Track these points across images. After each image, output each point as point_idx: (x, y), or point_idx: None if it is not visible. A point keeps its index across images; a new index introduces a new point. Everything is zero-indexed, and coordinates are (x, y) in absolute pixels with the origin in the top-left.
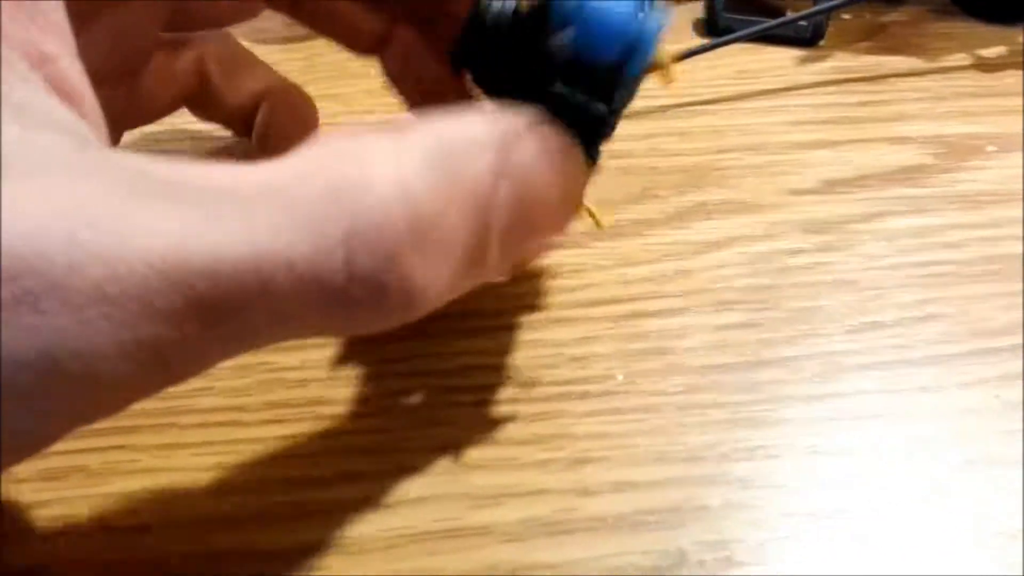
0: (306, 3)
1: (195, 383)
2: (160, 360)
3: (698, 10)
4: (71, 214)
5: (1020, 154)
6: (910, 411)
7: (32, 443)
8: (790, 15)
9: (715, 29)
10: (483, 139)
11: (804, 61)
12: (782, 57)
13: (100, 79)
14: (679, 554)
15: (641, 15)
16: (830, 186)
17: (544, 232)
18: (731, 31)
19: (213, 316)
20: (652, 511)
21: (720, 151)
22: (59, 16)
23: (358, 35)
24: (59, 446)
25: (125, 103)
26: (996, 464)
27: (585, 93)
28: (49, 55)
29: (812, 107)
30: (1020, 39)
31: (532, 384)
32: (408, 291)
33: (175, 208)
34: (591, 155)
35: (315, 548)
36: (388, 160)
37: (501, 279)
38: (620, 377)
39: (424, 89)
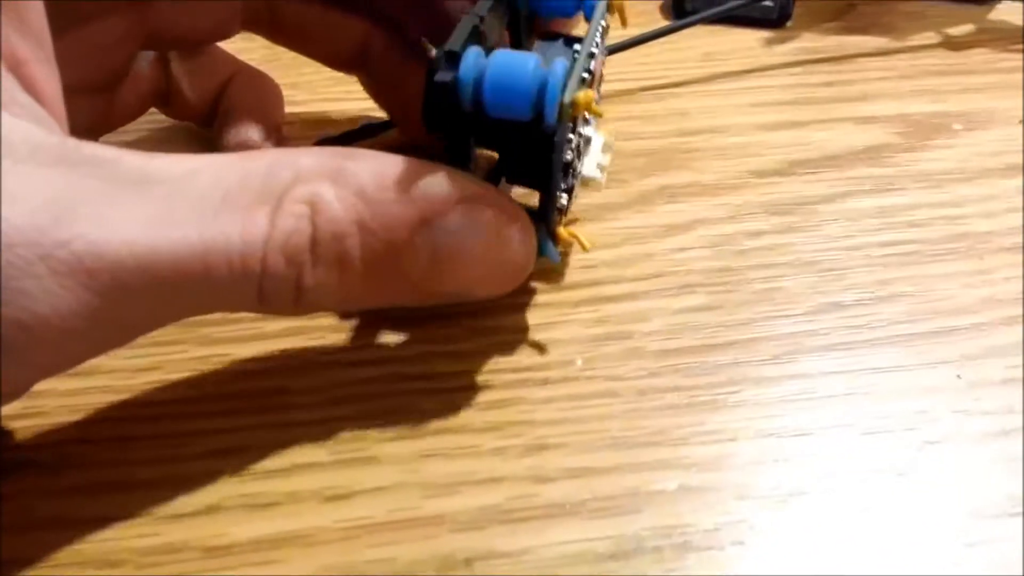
0: (283, 24)
1: (151, 375)
2: (119, 325)
3: None
4: (58, 198)
5: (986, 132)
6: (870, 392)
7: (12, 391)
8: None
9: (682, 12)
10: (416, 194)
11: (771, 42)
12: (749, 39)
13: (77, 89)
14: (635, 539)
15: (542, 70)
16: (794, 167)
17: (478, 288)
18: (698, 13)
19: (167, 293)
20: (609, 497)
21: (685, 134)
22: (39, 19)
23: (336, 52)
24: (11, 441)
25: (101, 112)
26: (956, 444)
27: (529, 152)
28: (22, 58)
29: (778, 88)
30: (988, 17)
31: (491, 371)
32: (301, 293)
33: (141, 198)
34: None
35: (270, 540)
36: (318, 181)
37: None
38: (579, 362)
39: (404, 101)
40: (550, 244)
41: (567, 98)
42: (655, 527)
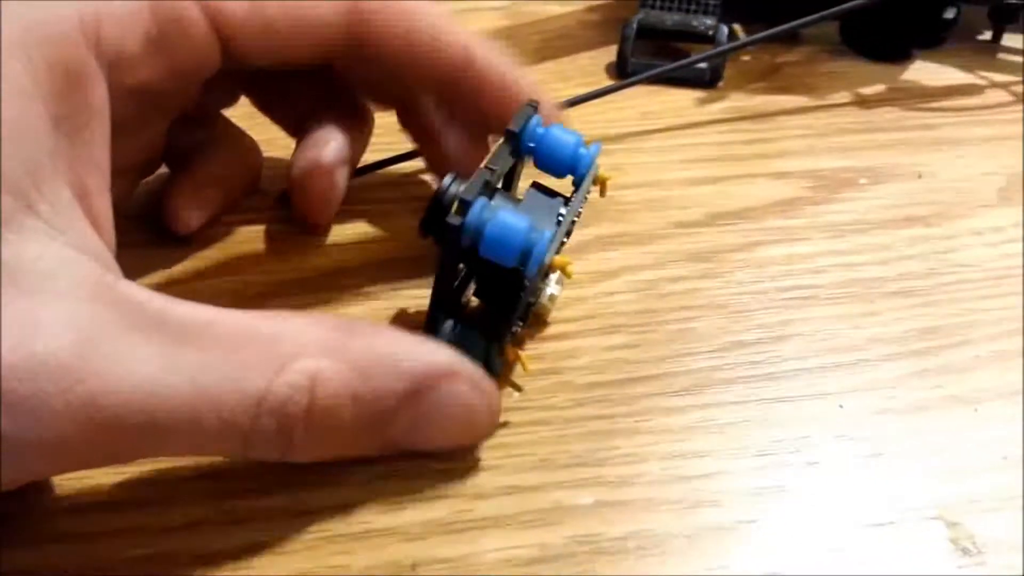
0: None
1: None
2: (111, 453)
3: (612, 54)
4: (84, 337)
5: (888, 186)
6: (765, 419)
7: (6, 485)
8: (688, 59)
9: (624, 72)
10: (405, 370)
11: (703, 102)
12: (683, 98)
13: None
14: (556, 546)
15: (534, 234)
16: (713, 219)
17: (441, 445)
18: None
19: (159, 433)
20: (535, 511)
21: (619, 187)
22: (103, 155)
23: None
24: None
25: (128, 190)
26: (833, 464)
27: (501, 286)
28: (88, 189)
29: (705, 145)
30: (899, 77)
31: None
32: (289, 451)
33: (156, 343)
34: (507, 314)
35: (244, 550)
36: (316, 352)
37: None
38: (516, 395)
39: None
40: (497, 361)
41: (547, 259)
42: (574, 536)
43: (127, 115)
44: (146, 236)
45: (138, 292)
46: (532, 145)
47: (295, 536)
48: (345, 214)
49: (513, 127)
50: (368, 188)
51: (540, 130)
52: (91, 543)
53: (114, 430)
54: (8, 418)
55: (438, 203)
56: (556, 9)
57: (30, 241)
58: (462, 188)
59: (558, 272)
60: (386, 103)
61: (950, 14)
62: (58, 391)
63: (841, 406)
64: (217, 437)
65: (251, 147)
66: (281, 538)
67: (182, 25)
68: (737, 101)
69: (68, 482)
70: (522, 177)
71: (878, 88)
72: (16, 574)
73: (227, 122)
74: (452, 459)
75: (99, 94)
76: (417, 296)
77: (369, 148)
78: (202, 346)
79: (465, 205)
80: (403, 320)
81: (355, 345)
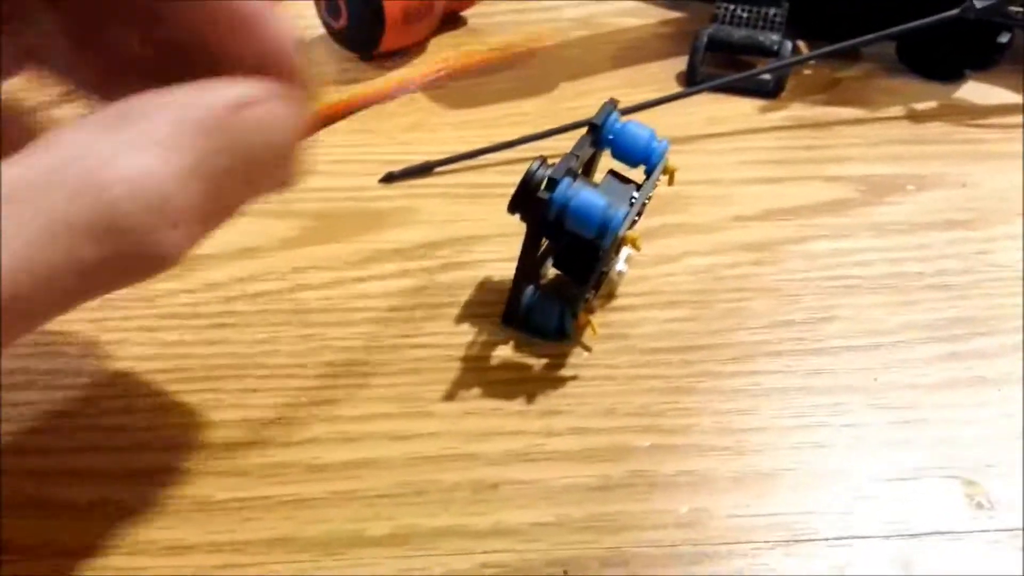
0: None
1: (264, 346)
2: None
3: (682, 65)
4: None
5: (933, 192)
6: (806, 387)
7: None
8: (754, 70)
9: (693, 81)
10: (213, 121)
11: (765, 111)
12: (747, 107)
13: None
14: (616, 478)
15: (611, 210)
16: (769, 214)
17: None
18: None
19: (38, 300)
20: (599, 448)
21: (684, 183)
22: None
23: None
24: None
25: None
26: (865, 428)
27: (579, 256)
28: None
29: (765, 149)
30: (951, 95)
31: (519, 356)
32: (163, 257)
33: None
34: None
35: (355, 463)
36: (121, 158)
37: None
38: (586, 355)
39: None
40: (570, 323)
41: (621, 232)
42: (632, 471)
43: None
44: None
45: None
46: (611, 137)
47: (396, 456)
48: (434, 196)
49: (596, 120)
50: (452, 175)
51: (618, 124)
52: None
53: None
54: None
55: (526, 183)
56: (632, 22)
57: None
58: (549, 170)
59: (627, 252)
60: None
61: (1004, 38)
62: None
63: (876, 379)
64: (98, 275)
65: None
66: (384, 456)
67: None
68: (797, 111)
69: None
70: (600, 169)
71: (930, 104)
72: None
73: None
74: (528, 404)
75: None
76: (501, 269)
77: (449, 141)
78: (13, 203)
79: (552, 183)
80: (487, 286)
81: (152, 127)
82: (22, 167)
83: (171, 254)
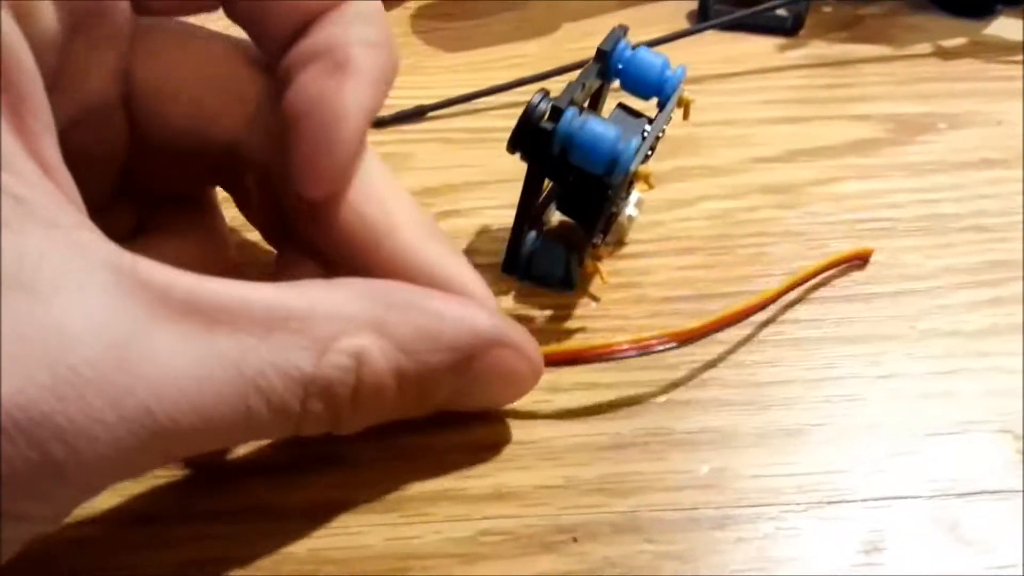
0: None
1: None
2: (166, 455)
3: (695, 3)
4: (117, 337)
5: (967, 131)
6: (839, 336)
7: (58, 516)
8: (768, 4)
9: (706, 17)
10: (448, 343)
11: (783, 49)
12: (764, 45)
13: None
14: (630, 436)
15: (621, 144)
16: (791, 155)
17: (484, 406)
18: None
19: (210, 428)
20: (609, 404)
21: (699, 124)
22: (45, 111)
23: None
24: None
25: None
26: (903, 380)
27: (586, 196)
28: (46, 158)
29: (784, 88)
30: (981, 32)
31: (523, 306)
32: (340, 427)
33: (189, 331)
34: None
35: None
36: (363, 333)
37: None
38: (594, 305)
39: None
40: (576, 271)
41: (632, 168)
42: (646, 428)
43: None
44: None
45: (160, 273)
46: (620, 67)
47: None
48: (428, 141)
49: (604, 47)
50: (447, 119)
51: (628, 52)
52: None
53: (169, 433)
54: (60, 443)
55: (527, 118)
56: None
57: (28, 235)
58: (552, 102)
59: (637, 196)
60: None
61: None
62: (108, 404)
63: (913, 327)
64: (269, 423)
65: (220, 233)
66: None
67: None
68: (818, 49)
69: None
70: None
71: (959, 41)
72: None
73: (207, 210)
74: (587, 360)
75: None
76: (500, 216)
77: (444, 85)
78: (237, 329)
79: (556, 112)
80: (486, 234)
81: (395, 319)
82: (268, 296)
83: (344, 427)
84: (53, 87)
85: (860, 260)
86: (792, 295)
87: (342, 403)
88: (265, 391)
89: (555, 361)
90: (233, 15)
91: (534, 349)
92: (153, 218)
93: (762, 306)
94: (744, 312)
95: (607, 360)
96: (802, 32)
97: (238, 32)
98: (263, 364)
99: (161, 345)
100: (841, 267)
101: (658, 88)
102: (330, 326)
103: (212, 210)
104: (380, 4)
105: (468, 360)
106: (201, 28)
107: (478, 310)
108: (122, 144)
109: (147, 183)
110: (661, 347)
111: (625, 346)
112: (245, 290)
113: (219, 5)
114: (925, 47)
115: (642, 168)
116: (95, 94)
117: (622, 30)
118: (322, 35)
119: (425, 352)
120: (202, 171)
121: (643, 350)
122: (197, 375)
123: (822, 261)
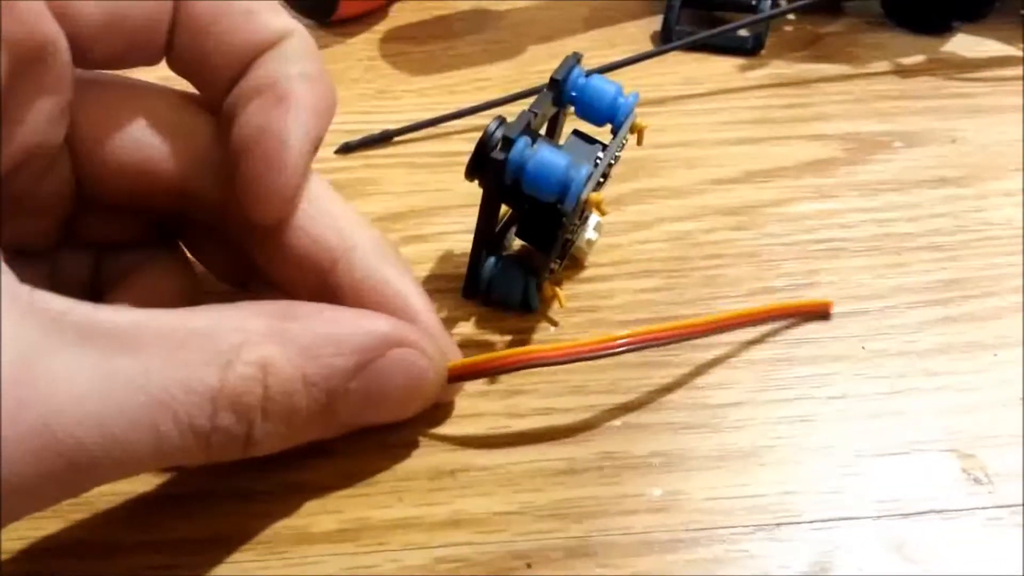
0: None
1: None
2: (71, 484)
3: (658, 24)
4: (14, 357)
5: (922, 149)
6: (789, 357)
7: None
8: (729, 25)
9: (669, 40)
10: (351, 344)
11: (744, 69)
12: (725, 65)
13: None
14: (584, 460)
15: (572, 171)
16: (748, 176)
17: (391, 416)
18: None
19: (119, 450)
20: (565, 429)
21: (659, 146)
22: None
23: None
24: None
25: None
26: (852, 400)
27: (541, 222)
28: None
29: (744, 109)
30: (939, 48)
31: (480, 330)
32: (252, 444)
33: (89, 354)
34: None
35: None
36: (266, 343)
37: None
38: (552, 330)
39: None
40: (535, 295)
41: (584, 196)
42: (601, 452)
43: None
44: None
45: (56, 301)
46: (574, 94)
47: (343, 444)
48: (394, 166)
49: (557, 75)
50: (414, 143)
51: (581, 80)
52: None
53: (73, 455)
54: None
55: (483, 146)
56: None
57: None
58: (506, 130)
59: (596, 219)
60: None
61: None
62: (7, 421)
63: (864, 347)
64: (179, 443)
65: (187, 272)
66: (331, 445)
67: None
68: (778, 68)
69: None
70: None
71: (917, 59)
72: None
73: (165, 245)
74: (489, 383)
75: None
76: (464, 241)
77: (411, 108)
78: (139, 349)
79: (508, 142)
80: (449, 259)
81: (296, 328)
82: (167, 318)
83: (258, 446)
84: None
85: (819, 313)
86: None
87: (253, 414)
88: (172, 408)
89: (475, 372)
90: (174, 64)
91: (435, 348)
92: (112, 262)
93: (699, 330)
94: (676, 331)
95: (526, 368)
96: (763, 52)
97: (179, 85)
98: (168, 382)
99: (60, 366)
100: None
101: (611, 115)
102: (232, 338)
103: (173, 246)
104: (313, 41)
105: (369, 360)
106: (141, 80)
107: (378, 317)
108: (68, 189)
109: (98, 229)
110: (585, 355)
111: (548, 352)
112: (145, 314)
113: (159, 58)
114: (884, 65)
115: (594, 195)
116: (37, 139)
117: (575, 58)
118: (262, 72)
119: (328, 356)
120: (152, 215)
121: (563, 357)
122: (99, 394)
123: (783, 304)
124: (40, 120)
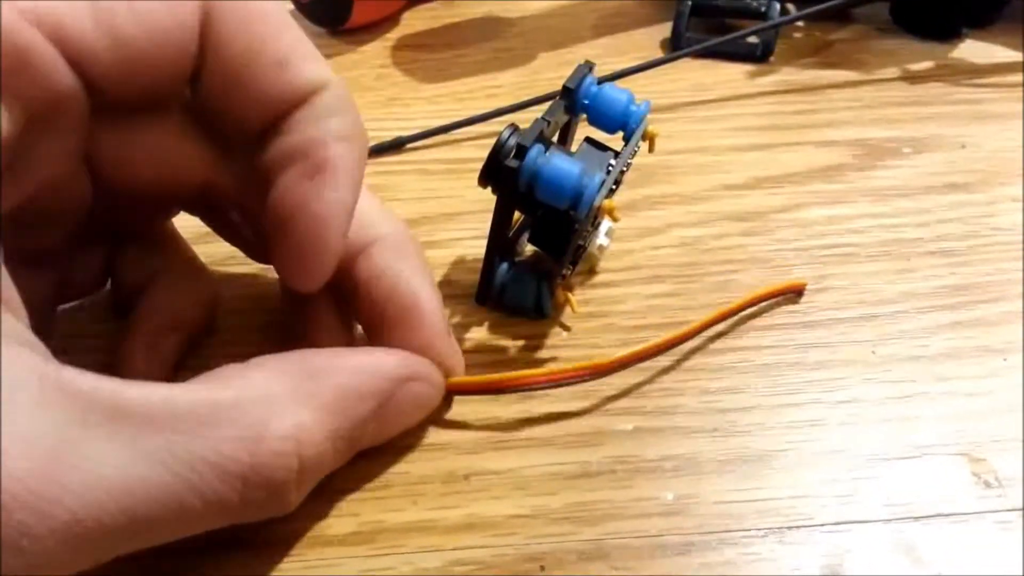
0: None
1: None
2: (97, 556)
3: (667, 31)
4: (45, 451)
5: (931, 155)
6: (800, 362)
7: None
8: (738, 32)
9: (678, 47)
10: (371, 391)
11: (753, 75)
12: (735, 72)
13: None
14: (596, 464)
15: (585, 178)
16: (759, 182)
17: (395, 434)
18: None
19: (144, 527)
20: (578, 434)
21: (670, 152)
22: None
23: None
24: None
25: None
26: (863, 404)
27: (554, 228)
28: None
29: (754, 115)
30: (948, 55)
31: (496, 334)
32: (285, 508)
33: (116, 435)
34: (559, 256)
35: None
36: (294, 409)
37: None
38: (565, 335)
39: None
40: (548, 301)
41: (596, 203)
42: (613, 456)
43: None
44: None
45: (83, 380)
46: (586, 102)
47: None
48: (406, 173)
49: (569, 84)
50: (425, 150)
51: (594, 88)
52: None
53: (99, 537)
54: None
55: (496, 153)
56: None
57: None
58: (520, 138)
59: (608, 225)
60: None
61: None
62: (37, 519)
63: (874, 352)
64: (205, 517)
65: (204, 276)
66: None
67: (27, 57)
68: (787, 75)
69: None
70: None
71: (926, 65)
72: None
73: (177, 248)
74: (503, 389)
75: None
76: (476, 247)
77: (423, 116)
78: (164, 428)
79: (522, 150)
80: (462, 265)
81: (320, 387)
82: (194, 393)
83: (288, 506)
84: (7, 173)
85: (794, 292)
86: (759, 321)
87: (287, 487)
88: (198, 487)
89: (471, 390)
90: (197, 104)
91: (437, 375)
92: (126, 264)
93: (687, 337)
94: (665, 344)
95: (519, 390)
96: (772, 58)
97: None
98: (194, 460)
99: (89, 451)
100: (776, 299)
101: (623, 123)
102: (259, 410)
103: (183, 250)
104: (347, 89)
105: (388, 399)
106: None
107: (388, 354)
108: (86, 199)
109: (113, 224)
110: (575, 379)
111: (540, 377)
112: (169, 390)
113: (184, 98)
114: (893, 71)
115: (607, 202)
116: (54, 171)
117: (587, 67)
118: (297, 136)
119: (352, 408)
120: (172, 210)
121: (555, 381)
122: (125, 477)
123: (757, 292)
124: (59, 157)
